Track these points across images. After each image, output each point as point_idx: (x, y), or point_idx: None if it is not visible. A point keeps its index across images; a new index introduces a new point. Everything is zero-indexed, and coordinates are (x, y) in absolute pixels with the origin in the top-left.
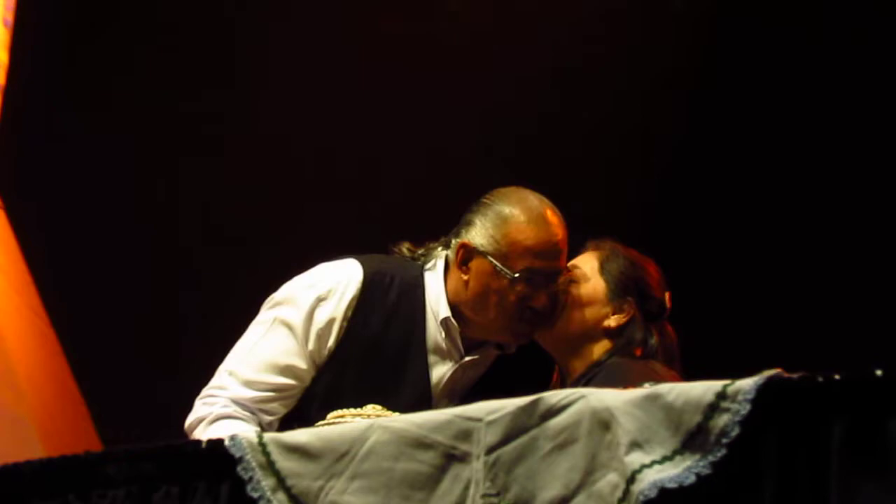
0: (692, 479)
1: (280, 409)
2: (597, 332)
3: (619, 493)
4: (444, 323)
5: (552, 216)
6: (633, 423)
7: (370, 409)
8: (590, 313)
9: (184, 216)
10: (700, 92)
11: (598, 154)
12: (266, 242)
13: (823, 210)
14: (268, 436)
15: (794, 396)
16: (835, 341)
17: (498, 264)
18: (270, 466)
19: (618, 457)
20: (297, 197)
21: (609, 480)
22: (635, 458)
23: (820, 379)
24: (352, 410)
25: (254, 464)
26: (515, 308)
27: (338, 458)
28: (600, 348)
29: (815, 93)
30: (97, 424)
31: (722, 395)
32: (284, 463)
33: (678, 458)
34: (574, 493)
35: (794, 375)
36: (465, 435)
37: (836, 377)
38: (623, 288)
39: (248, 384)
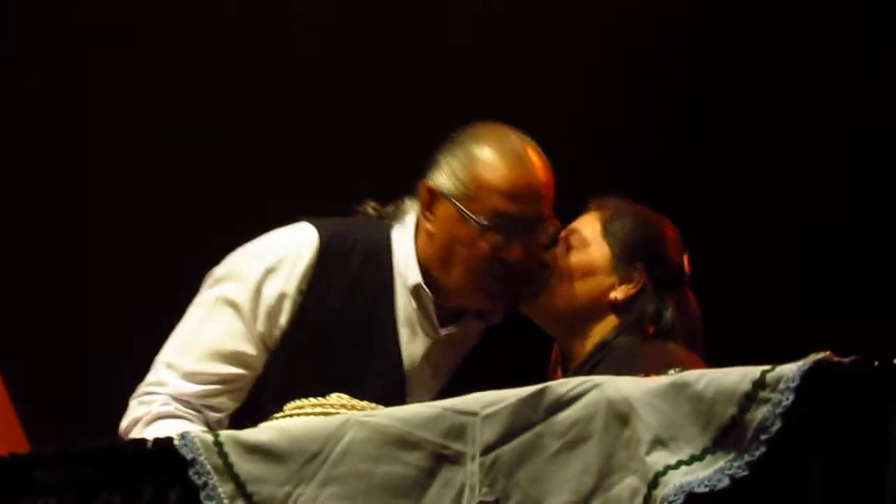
0: (725, 482)
1: (228, 403)
2: (601, 306)
3: (639, 500)
4: (415, 291)
5: (532, 155)
6: (656, 416)
7: (335, 398)
8: (592, 285)
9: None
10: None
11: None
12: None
13: (872, 173)
14: (225, 434)
15: (845, 384)
16: (890, 320)
17: (464, 209)
18: (228, 470)
19: (638, 457)
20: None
21: (628, 484)
22: (659, 458)
23: (876, 363)
24: (312, 400)
25: (209, 466)
26: (485, 262)
27: (307, 459)
28: (605, 326)
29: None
30: (24, 423)
31: (760, 384)
32: (244, 466)
33: (709, 457)
34: (587, 499)
35: (846, 359)
36: (458, 432)
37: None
38: (630, 252)
39: (190, 377)
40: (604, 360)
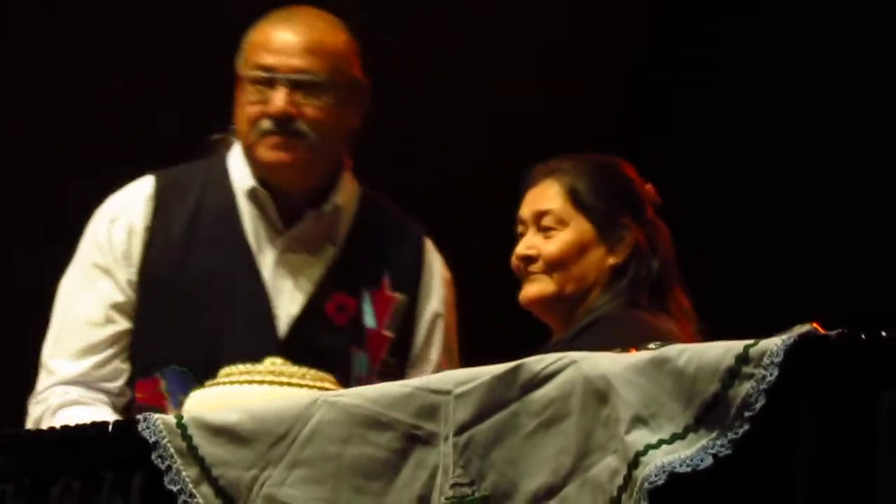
0: (709, 461)
1: (122, 366)
2: (600, 280)
3: (619, 480)
4: (251, 194)
5: (307, 16)
6: (636, 393)
7: (267, 363)
8: (587, 263)
9: None
10: None
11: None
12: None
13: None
14: (189, 416)
15: (832, 358)
16: (880, 289)
17: (238, 74)
18: (192, 453)
19: (617, 436)
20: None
21: (607, 465)
22: (639, 437)
23: (864, 336)
24: (241, 367)
25: (172, 450)
26: (254, 119)
27: (274, 441)
28: (602, 298)
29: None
30: None
31: (744, 359)
32: (209, 448)
33: (691, 435)
34: (564, 480)
35: (833, 332)
36: (431, 411)
37: (884, 334)
38: (609, 212)
39: (77, 354)
40: (583, 333)
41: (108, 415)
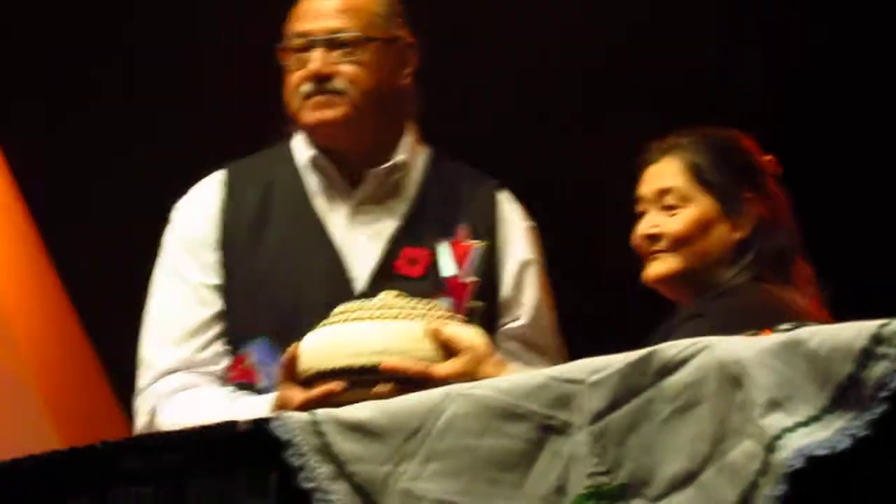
0: (847, 442)
1: (222, 349)
2: (726, 255)
3: (756, 465)
4: (313, 163)
5: None
6: (771, 377)
7: (379, 298)
8: (713, 239)
9: None
10: None
11: None
12: None
13: None
14: (322, 412)
15: None
16: None
17: (283, 53)
18: (327, 450)
19: (753, 420)
20: None
21: (743, 449)
22: (775, 421)
23: None
24: (352, 304)
25: (306, 447)
26: (296, 85)
27: (408, 435)
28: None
29: None
30: (114, 385)
31: (877, 339)
32: (343, 445)
33: (828, 417)
34: (701, 466)
35: None
36: (565, 401)
37: None
38: (732, 186)
39: (176, 342)
40: (710, 306)
41: (220, 392)
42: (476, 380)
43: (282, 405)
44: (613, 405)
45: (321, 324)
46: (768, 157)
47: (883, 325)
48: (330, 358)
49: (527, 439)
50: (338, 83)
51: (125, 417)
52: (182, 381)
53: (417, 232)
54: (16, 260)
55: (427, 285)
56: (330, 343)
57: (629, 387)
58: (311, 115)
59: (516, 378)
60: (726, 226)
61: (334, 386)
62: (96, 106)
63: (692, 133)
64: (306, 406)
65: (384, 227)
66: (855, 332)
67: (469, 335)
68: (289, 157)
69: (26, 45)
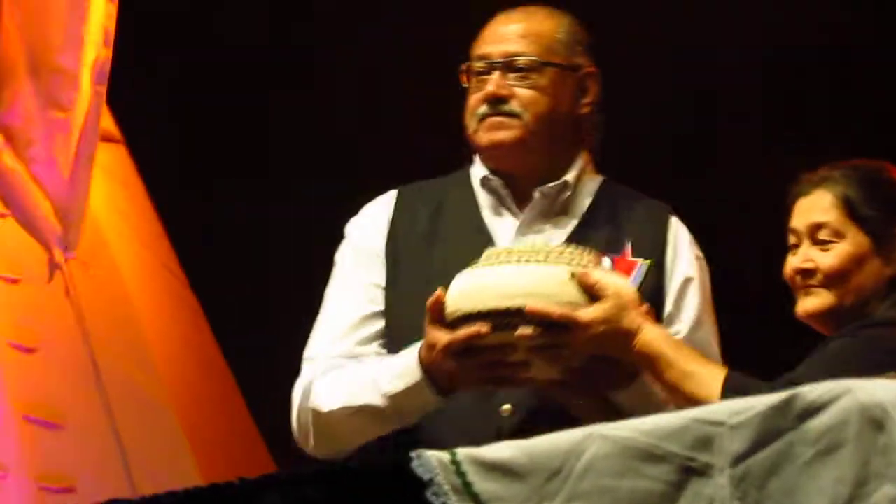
0: None
1: (383, 350)
2: (879, 290)
3: None
4: (484, 183)
5: (520, 8)
6: None
7: (529, 243)
8: (865, 275)
9: None
10: None
11: None
12: None
13: None
14: (462, 452)
15: None
16: None
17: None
18: (467, 489)
19: (895, 463)
20: None
21: (886, 493)
22: None
23: None
24: (500, 249)
25: (447, 487)
26: (474, 108)
27: (549, 476)
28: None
29: None
30: (251, 406)
31: None
32: (484, 485)
33: None
34: None
35: None
36: (705, 442)
37: None
38: (885, 222)
39: (338, 336)
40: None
41: (369, 360)
42: (621, 326)
43: (429, 347)
44: (755, 447)
45: (469, 267)
46: None
47: None
48: (476, 300)
49: (667, 481)
50: (513, 106)
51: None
52: (337, 363)
53: (583, 247)
54: (155, 284)
55: None
56: (476, 285)
57: (771, 429)
58: (483, 137)
59: (657, 419)
60: (878, 260)
61: (479, 328)
62: None
63: (843, 165)
64: (450, 347)
65: (550, 242)
66: None
67: (616, 281)
68: (464, 177)
69: None
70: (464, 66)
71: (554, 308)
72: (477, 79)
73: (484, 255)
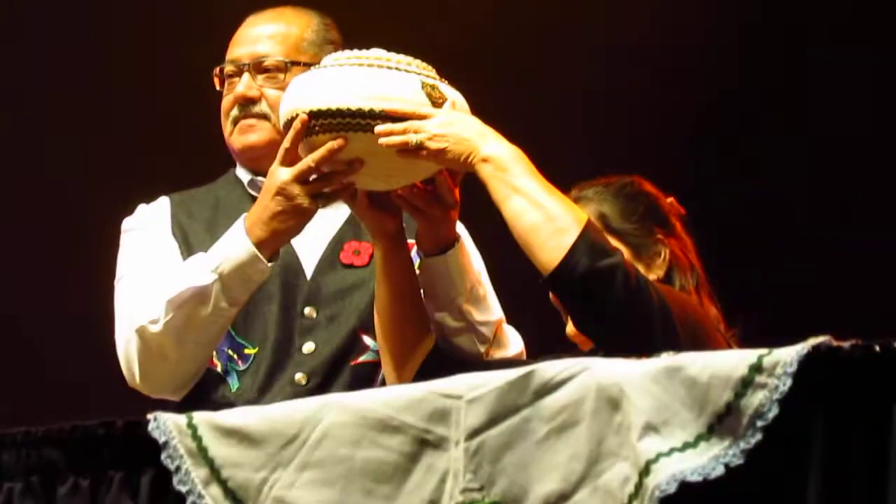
0: (720, 470)
1: None
2: None
3: (630, 488)
4: (252, 185)
5: (270, 9)
6: (649, 401)
7: (374, 50)
8: None
9: None
10: None
11: None
12: None
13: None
14: (199, 416)
15: (846, 370)
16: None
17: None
18: (202, 453)
19: (629, 443)
20: None
21: (618, 471)
22: (651, 445)
23: (878, 348)
24: (347, 52)
25: (182, 450)
26: (227, 110)
27: (284, 443)
28: None
29: None
30: None
31: (757, 368)
32: (219, 449)
33: (703, 444)
34: (575, 487)
35: (846, 343)
36: (442, 415)
37: None
38: (641, 231)
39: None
40: None
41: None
42: (471, 129)
43: (267, 190)
44: (490, 422)
45: (314, 68)
46: (670, 199)
47: (763, 355)
48: (329, 98)
49: (402, 452)
50: (262, 107)
51: None
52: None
53: (359, 227)
54: None
55: (371, 271)
56: (319, 83)
57: (507, 405)
58: (236, 141)
59: (395, 390)
60: (641, 267)
61: (336, 144)
62: None
63: (593, 183)
64: (300, 176)
65: (332, 226)
66: (735, 360)
67: (458, 95)
68: (233, 180)
69: None
70: (216, 70)
71: (412, 107)
72: (228, 81)
73: (330, 57)
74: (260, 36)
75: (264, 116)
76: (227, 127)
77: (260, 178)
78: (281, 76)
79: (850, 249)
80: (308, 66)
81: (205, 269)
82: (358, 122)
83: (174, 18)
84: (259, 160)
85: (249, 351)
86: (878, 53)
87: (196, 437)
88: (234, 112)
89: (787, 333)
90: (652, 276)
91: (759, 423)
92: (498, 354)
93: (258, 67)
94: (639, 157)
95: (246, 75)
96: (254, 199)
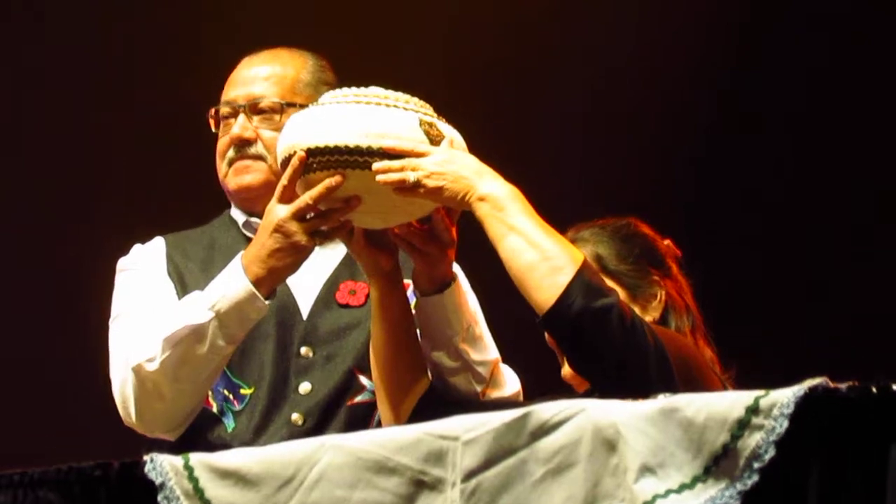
0: None
1: None
2: None
3: None
4: (247, 227)
5: (267, 50)
6: (645, 442)
7: (373, 88)
8: None
9: None
10: None
11: None
12: None
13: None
14: (196, 457)
15: (842, 411)
16: (891, 342)
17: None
18: (199, 495)
19: (625, 485)
20: None
21: None
22: (647, 487)
23: (874, 389)
24: (345, 90)
25: (178, 491)
26: (223, 151)
27: (281, 484)
28: None
29: None
30: None
31: (754, 410)
32: (215, 491)
33: (700, 486)
34: None
35: (843, 385)
36: (438, 457)
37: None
38: (638, 272)
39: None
40: None
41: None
42: (468, 167)
43: (264, 228)
44: (487, 464)
45: (312, 105)
46: (667, 241)
47: (759, 397)
48: (326, 135)
49: (398, 493)
50: (258, 148)
51: None
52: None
53: (354, 267)
54: None
55: (368, 311)
56: (327, 120)
57: (503, 446)
58: (232, 182)
59: (391, 431)
60: (637, 308)
61: (334, 181)
62: None
63: (590, 225)
64: (298, 213)
65: (327, 266)
66: (732, 401)
67: (455, 133)
68: (228, 222)
69: None
70: (212, 112)
71: (409, 144)
72: (224, 123)
73: (329, 95)
74: (256, 77)
75: (260, 157)
76: (222, 168)
77: (254, 220)
78: (277, 117)
79: (847, 290)
80: (304, 107)
81: (202, 306)
82: (356, 159)
83: (170, 61)
84: (254, 201)
85: (245, 391)
86: None
87: (192, 479)
88: (230, 153)
89: (783, 375)
90: (648, 318)
91: (756, 465)
92: (495, 394)
93: (254, 108)
94: (634, 200)
95: (242, 116)
96: (248, 240)
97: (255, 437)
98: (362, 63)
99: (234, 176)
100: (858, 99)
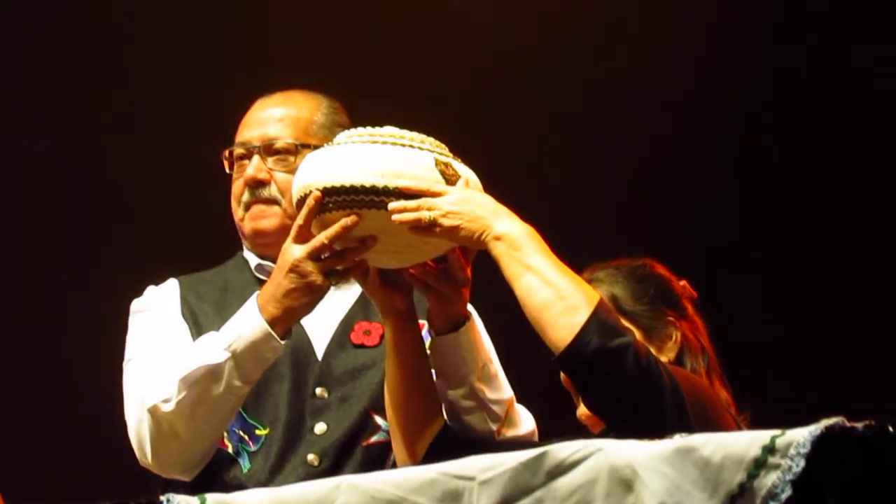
0: None
1: None
2: None
3: None
4: (259, 270)
5: (280, 92)
6: (662, 482)
7: (388, 127)
8: None
9: None
10: None
11: None
12: None
13: None
14: (212, 498)
15: (859, 451)
16: None
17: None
18: None
19: None
20: None
21: None
22: None
23: (891, 429)
24: (360, 129)
25: None
26: (238, 194)
27: None
28: None
29: None
30: None
31: (770, 449)
32: None
33: None
34: None
35: (859, 425)
36: (454, 497)
37: None
38: (653, 313)
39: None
40: None
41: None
42: (484, 207)
43: (280, 268)
44: (503, 503)
45: (327, 145)
46: (683, 282)
47: (776, 436)
48: (341, 175)
49: None
50: (272, 191)
51: None
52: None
53: (369, 307)
54: None
55: (383, 352)
56: (335, 160)
57: (520, 486)
58: (248, 225)
59: (407, 471)
60: (653, 349)
61: (349, 221)
62: None
63: (605, 266)
64: (313, 253)
65: (341, 307)
66: (748, 440)
67: (471, 173)
68: (241, 264)
69: None
70: (226, 153)
71: (425, 184)
72: (238, 164)
73: (344, 134)
74: (270, 119)
75: (274, 201)
76: (237, 211)
77: (267, 263)
78: (291, 159)
79: (862, 329)
80: (318, 148)
81: (217, 346)
82: (371, 199)
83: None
84: (269, 246)
85: (261, 432)
86: None
87: None
88: (246, 196)
89: (799, 415)
90: (663, 358)
91: None
92: (510, 433)
93: (268, 150)
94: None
95: (256, 158)
96: (260, 282)
97: (271, 477)
98: (362, 64)
99: (251, 221)
100: (859, 104)
